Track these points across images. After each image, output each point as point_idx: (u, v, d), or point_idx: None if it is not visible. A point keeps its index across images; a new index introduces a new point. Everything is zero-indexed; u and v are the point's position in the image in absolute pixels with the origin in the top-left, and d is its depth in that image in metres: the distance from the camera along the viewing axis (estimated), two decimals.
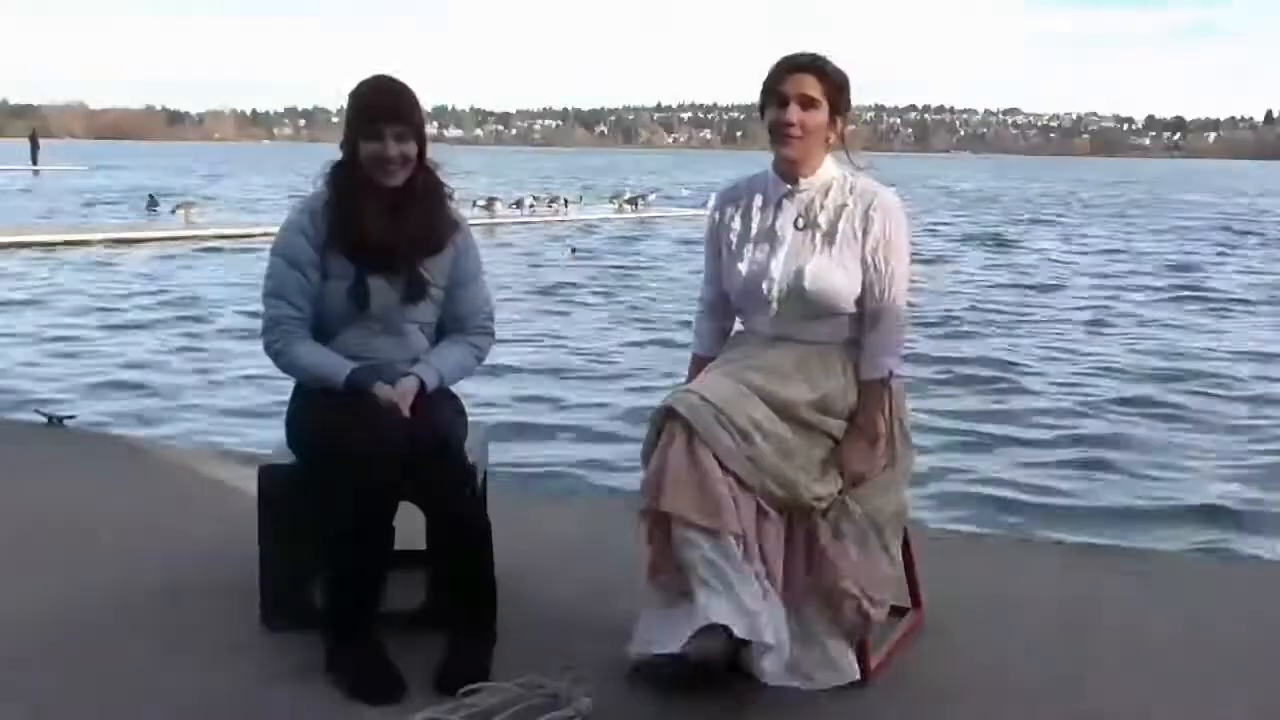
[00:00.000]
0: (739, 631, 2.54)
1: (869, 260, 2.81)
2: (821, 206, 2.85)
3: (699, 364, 3.03)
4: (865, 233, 2.80)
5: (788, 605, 2.71)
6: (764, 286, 2.86)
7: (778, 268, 2.85)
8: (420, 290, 3.01)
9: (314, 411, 2.94)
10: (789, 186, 2.88)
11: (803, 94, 2.78)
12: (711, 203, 3.09)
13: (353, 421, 2.79)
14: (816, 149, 2.84)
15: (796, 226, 2.86)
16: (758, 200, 2.94)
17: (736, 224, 2.95)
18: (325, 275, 2.95)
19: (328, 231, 2.94)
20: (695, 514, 2.59)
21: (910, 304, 2.96)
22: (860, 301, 2.83)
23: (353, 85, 2.98)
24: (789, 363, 2.81)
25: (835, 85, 2.81)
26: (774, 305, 2.86)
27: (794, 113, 2.78)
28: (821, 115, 2.79)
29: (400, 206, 2.96)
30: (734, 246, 2.94)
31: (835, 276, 2.80)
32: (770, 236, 2.88)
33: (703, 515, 2.59)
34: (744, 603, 2.57)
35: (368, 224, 2.92)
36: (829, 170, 2.88)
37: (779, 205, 2.89)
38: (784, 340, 2.87)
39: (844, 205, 2.83)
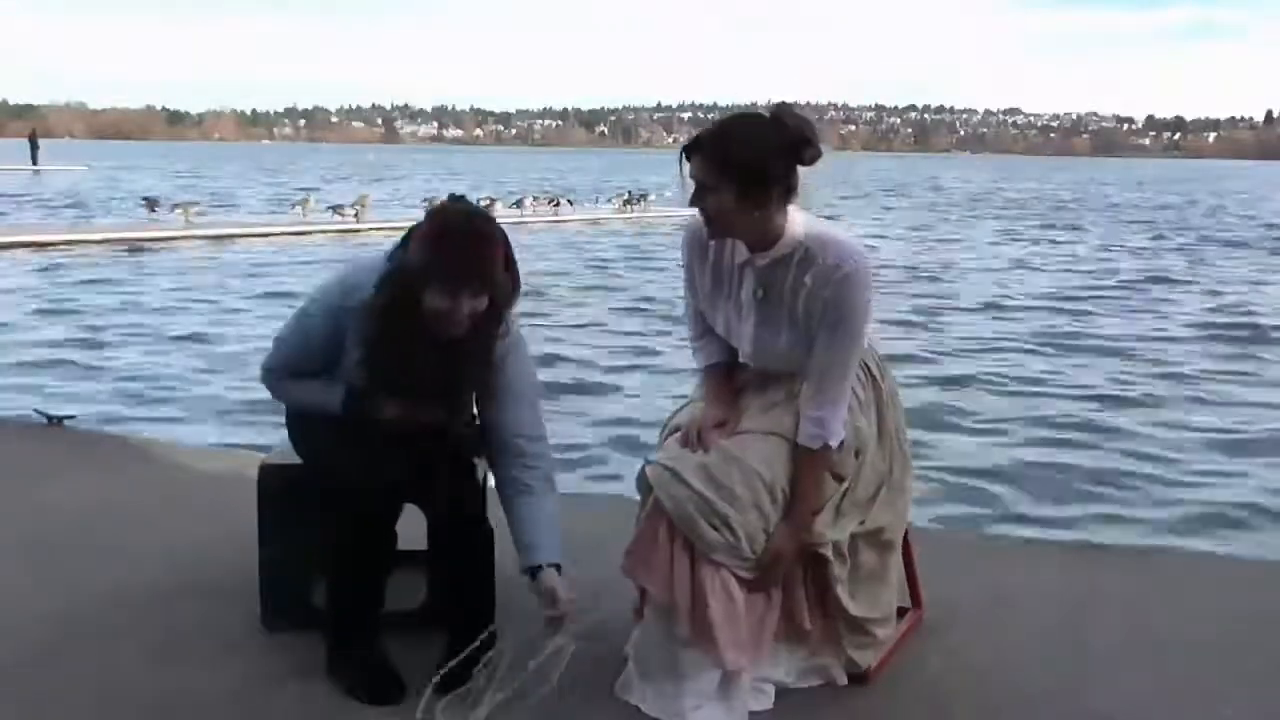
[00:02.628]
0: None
1: (821, 335, 2.62)
2: (782, 280, 2.65)
3: (716, 375, 2.87)
4: (823, 308, 2.60)
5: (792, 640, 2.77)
6: (738, 348, 2.80)
7: (746, 340, 2.74)
8: (473, 448, 2.92)
9: (316, 421, 2.89)
10: (748, 254, 2.67)
11: (696, 179, 2.55)
12: (684, 232, 2.86)
13: (354, 438, 2.75)
14: (741, 228, 2.60)
15: (756, 298, 2.69)
16: (724, 258, 2.74)
17: (706, 277, 2.78)
18: (344, 353, 2.80)
19: (365, 367, 2.75)
20: (660, 592, 2.65)
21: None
22: (810, 371, 2.67)
23: (435, 210, 2.67)
24: (781, 393, 2.77)
25: (730, 168, 2.50)
26: (753, 368, 2.81)
27: (692, 197, 2.58)
28: (724, 199, 2.52)
29: (449, 354, 2.72)
30: (709, 297, 2.80)
31: (801, 349, 2.67)
32: (735, 303, 2.74)
33: (665, 596, 2.64)
34: (684, 704, 2.64)
35: (416, 375, 2.74)
36: (790, 239, 2.62)
37: (741, 271, 2.71)
38: (771, 378, 2.80)
39: (802, 283, 2.62)
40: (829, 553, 2.71)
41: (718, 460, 2.64)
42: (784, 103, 2.61)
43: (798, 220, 2.64)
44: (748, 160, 2.51)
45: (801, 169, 2.57)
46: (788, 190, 2.59)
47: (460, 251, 2.62)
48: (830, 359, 2.64)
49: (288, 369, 2.88)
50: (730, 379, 2.88)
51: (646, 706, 2.67)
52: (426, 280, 2.63)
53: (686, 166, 2.57)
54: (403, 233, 2.76)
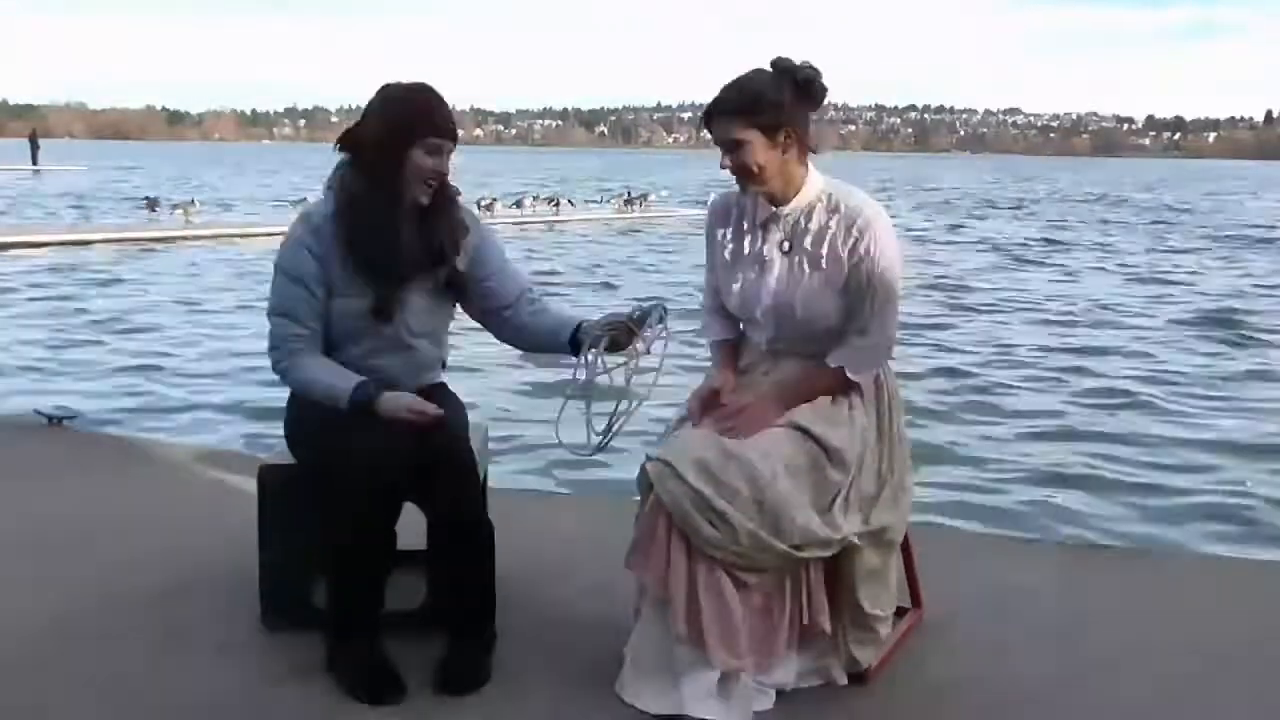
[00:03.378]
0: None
1: (857, 283, 2.74)
2: (806, 230, 2.78)
3: (724, 349, 3.00)
4: (851, 254, 2.74)
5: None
6: (757, 311, 2.85)
7: (768, 293, 2.81)
8: (460, 292, 3.00)
9: (315, 422, 2.89)
10: (773, 209, 2.82)
11: (724, 140, 2.72)
12: (709, 204, 3.06)
13: (354, 438, 2.75)
14: (781, 174, 2.76)
15: (782, 250, 2.81)
16: (746, 220, 2.88)
17: (729, 243, 2.91)
18: (331, 292, 2.86)
19: (344, 249, 2.83)
20: (657, 587, 2.65)
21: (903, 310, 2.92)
22: (852, 319, 2.78)
23: (390, 90, 2.83)
24: (789, 376, 2.83)
25: (749, 108, 2.68)
26: (768, 328, 2.86)
27: (725, 160, 2.74)
28: (756, 147, 2.70)
29: (424, 217, 2.88)
30: (728, 266, 2.91)
31: (824, 301, 2.77)
32: (759, 260, 2.84)
33: (661, 590, 2.63)
34: (682, 696, 2.62)
35: (404, 241, 2.84)
36: (811, 190, 2.80)
37: (765, 228, 2.84)
38: (783, 355, 2.87)
39: (827, 228, 2.76)
40: (855, 541, 2.71)
41: (716, 456, 2.65)
42: (780, 56, 2.75)
43: (816, 175, 2.81)
44: (767, 104, 2.68)
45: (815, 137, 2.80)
46: (806, 136, 2.76)
47: (440, 108, 2.83)
48: (870, 302, 2.74)
49: (292, 337, 2.85)
50: (735, 354, 2.98)
51: (642, 703, 2.67)
52: (411, 141, 2.77)
53: (714, 130, 2.74)
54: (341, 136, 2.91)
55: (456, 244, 2.95)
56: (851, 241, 2.73)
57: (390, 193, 2.82)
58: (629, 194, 31.28)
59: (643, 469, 2.73)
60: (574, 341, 2.95)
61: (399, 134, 2.78)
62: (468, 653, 2.86)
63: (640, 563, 2.70)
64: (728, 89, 2.72)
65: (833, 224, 2.76)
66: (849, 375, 2.78)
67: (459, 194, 3.00)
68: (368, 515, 2.75)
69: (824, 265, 2.76)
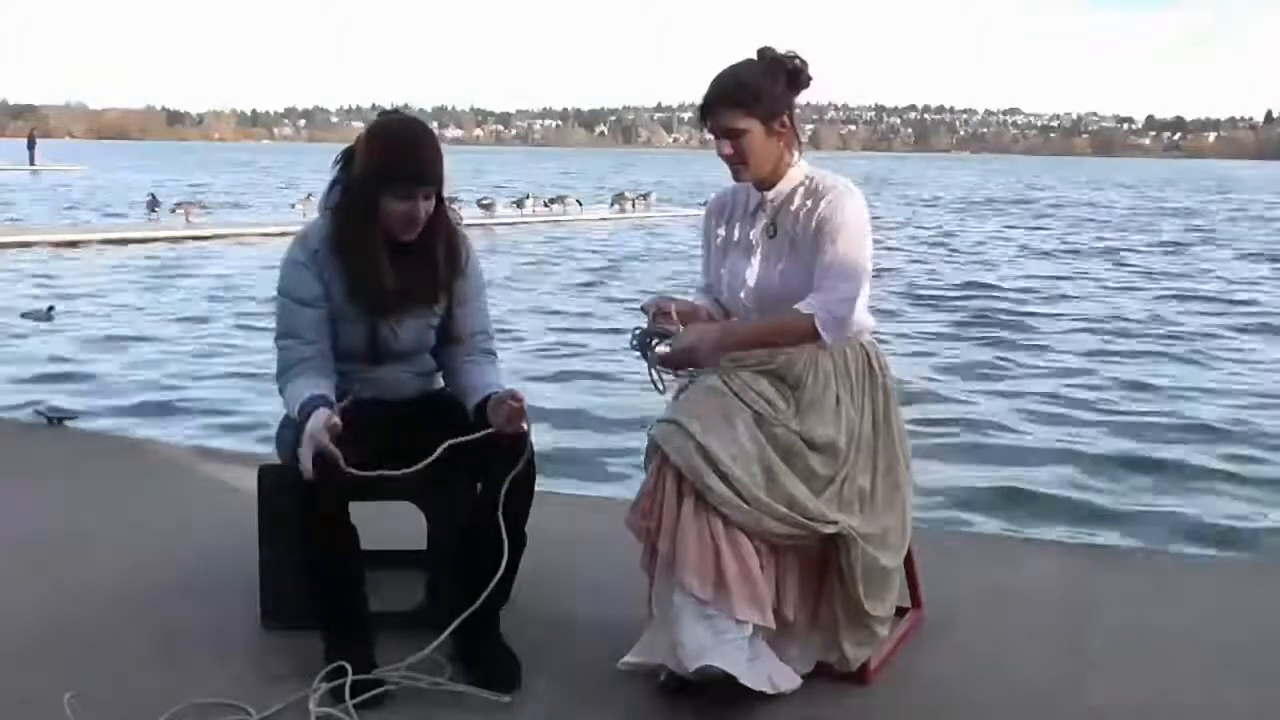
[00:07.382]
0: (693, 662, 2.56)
1: (818, 244, 2.77)
2: (788, 212, 2.85)
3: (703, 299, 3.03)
4: (819, 224, 2.78)
5: (790, 628, 2.75)
6: (741, 294, 2.89)
7: (752, 276, 2.88)
8: (444, 330, 2.96)
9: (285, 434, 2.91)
10: (761, 196, 2.90)
11: (723, 128, 2.78)
12: (707, 202, 3.11)
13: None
14: (771, 160, 2.82)
15: (768, 235, 2.88)
16: (739, 211, 2.96)
17: (721, 232, 2.99)
18: (331, 315, 2.86)
19: (341, 282, 2.83)
20: (663, 543, 2.64)
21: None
22: (817, 276, 2.78)
23: (374, 125, 2.81)
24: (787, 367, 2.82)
25: (750, 100, 2.75)
26: (754, 313, 2.87)
27: (724, 148, 2.80)
28: (754, 135, 2.77)
29: (413, 251, 2.85)
30: (720, 256, 2.98)
31: (803, 281, 2.79)
32: (746, 246, 2.91)
33: (690, 573, 2.60)
34: (701, 641, 2.57)
35: (385, 279, 2.81)
36: (796, 175, 2.87)
37: (754, 214, 2.91)
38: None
39: (805, 207, 2.83)
40: (853, 533, 2.70)
41: (719, 417, 2.67)
42: (765, 46, 2.82)
43: (803, 162, 2.90)
44: (765, 94, 2.77)
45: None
46: (795, 123, 2.84)
47: (412, 154, 2.76)
48: (835, 258, 2.75)
49: (297, 361, 2.83)
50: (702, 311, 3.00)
51: (663, 657, 2.65)
52: (382, 185, 2.74)
53: (711, 119, 2.79)
54: (341, 154, 2.89)
55: (450, 285, 2.93)
56: (821, 214, 2.78)
57: (367, 232, 2.79)
58: (628, 194, 31.23)
59: (650, 438, 2.73)
60: (478, 411, 2.85)
61: (371, 179, 2.77)
62: (503, 643, 2.85)
63: (638, 519, 2.70)
64: (725, 79, 2.78)
65: (809, 202, 2.83)
66: (817, 326, 2.73)
67: (460, 222, 2.96)
68: (307, 518, 2.75)
69: (800, 244, 2.82)
